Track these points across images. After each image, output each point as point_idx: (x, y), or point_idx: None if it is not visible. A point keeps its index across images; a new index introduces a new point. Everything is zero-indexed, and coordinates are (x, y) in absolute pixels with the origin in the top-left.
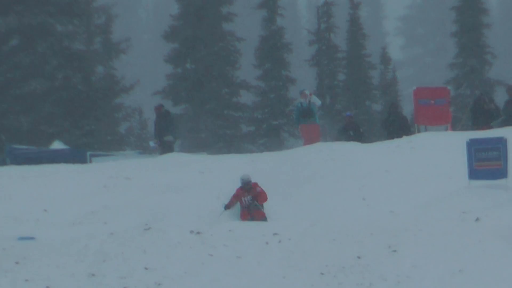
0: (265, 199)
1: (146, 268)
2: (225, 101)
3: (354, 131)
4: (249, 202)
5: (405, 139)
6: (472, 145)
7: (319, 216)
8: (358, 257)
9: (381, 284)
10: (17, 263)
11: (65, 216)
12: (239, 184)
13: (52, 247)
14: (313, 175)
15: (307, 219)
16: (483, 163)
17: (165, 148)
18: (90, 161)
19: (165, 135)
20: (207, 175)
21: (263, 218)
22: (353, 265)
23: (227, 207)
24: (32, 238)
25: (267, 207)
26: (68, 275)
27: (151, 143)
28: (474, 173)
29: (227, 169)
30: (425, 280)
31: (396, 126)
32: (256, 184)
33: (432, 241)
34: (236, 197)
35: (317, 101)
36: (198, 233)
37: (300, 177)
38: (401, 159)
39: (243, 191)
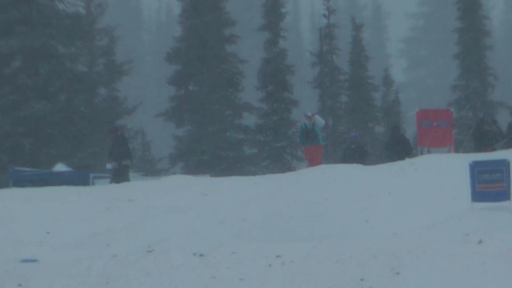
0: None
1: None
2: (227, 123)
3: (359, 150)
4: None
5: (407, 161)
6: (475, 167)
7: (322, 238)
8: (361, 280)
9: None
10: (19, 285)
11: (68, 238)
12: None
13: (55, 269)
14: (316, 197)
15: (310, 241)
16: (486, 185)
17: (121, 172)
18: (93, 183)
19: (122, 159)
20: (210, 197)
21: None
22: (356, 287)
23: None
24: (35, 260)
25: (268, 227)
26: None
27: (109, 166)
28: (477, 195)
29: (230, 192)
30: None
31: (398, 148)
32: None
33: (435, 263)
34: None
35: (320, 121)
36: (201, 255)
37: (303, 199)
38: (404, 181)
39: None
